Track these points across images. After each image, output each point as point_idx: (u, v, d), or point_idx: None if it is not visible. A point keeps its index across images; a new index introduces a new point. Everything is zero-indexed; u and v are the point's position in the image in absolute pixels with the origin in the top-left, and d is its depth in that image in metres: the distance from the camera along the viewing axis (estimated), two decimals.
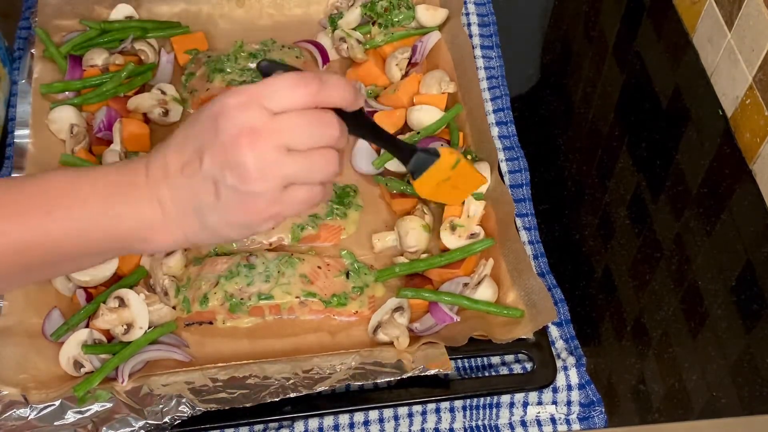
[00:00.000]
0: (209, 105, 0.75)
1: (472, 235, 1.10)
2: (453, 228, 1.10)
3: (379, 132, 0.89)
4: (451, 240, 1.10)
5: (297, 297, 1.05)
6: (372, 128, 0.89)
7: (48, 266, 0.78)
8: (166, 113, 1.23)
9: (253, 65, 1.26)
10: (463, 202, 1.11)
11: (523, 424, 1.00)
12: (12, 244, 0.74)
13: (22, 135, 1.16)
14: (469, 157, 1.16)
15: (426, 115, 1.19)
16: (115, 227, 0.76)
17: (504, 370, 1.02)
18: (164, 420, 0.94)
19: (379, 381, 0.97)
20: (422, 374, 0.97)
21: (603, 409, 1.01)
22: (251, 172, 0.72)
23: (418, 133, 1.18)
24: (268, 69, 0.79)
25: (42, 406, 0.95)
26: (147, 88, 1.25)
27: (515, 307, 1.03)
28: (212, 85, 1.24)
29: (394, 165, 1.18)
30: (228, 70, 1.25)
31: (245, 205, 0.75)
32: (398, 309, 1.04)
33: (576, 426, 1.01)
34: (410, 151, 0.96)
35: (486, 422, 1.01)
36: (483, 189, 1.13)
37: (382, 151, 1.18)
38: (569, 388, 1.01)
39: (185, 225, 0.78)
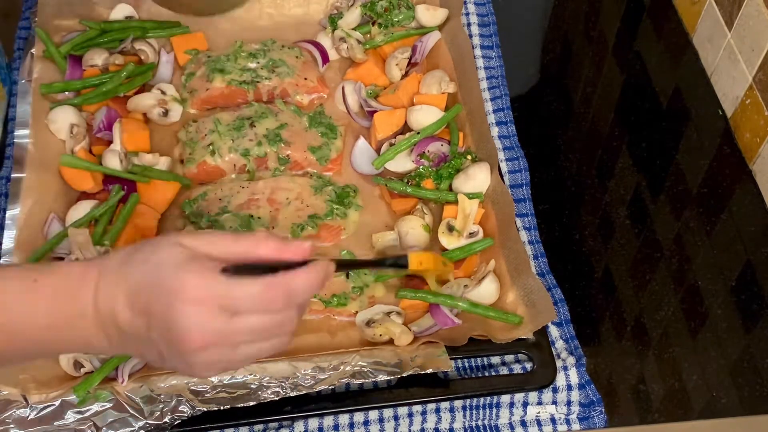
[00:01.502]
0: (164, 254, 0.72)
1: (471, 234, 1.10)
2: (450, 229, 1.10)
3: (355, 263, 1.02)
4: (449, 241, 1.10)
5: None
6: (349, 265, 1.01)
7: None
8: (166, 113, 1.23)
9: (253, 65, 1.26)
10: (446, 203, 1.11)
11: (523, 424, 1.00)
12: None
13: (22, 135, 1.16)
14: (469, 157, 1.17)
15: (426, 115, 1.19)
16: (62, 348, 0.81)
17: (504, 370, 1.02)
18: (164, 420, 0.94)
19: (379, 380, 0.97)
20: (422, 373, 0.97)
21: (603, 409, 1.01)
22: (198, 368, 0.73)
23: (418, 133, 1.18)
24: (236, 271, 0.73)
25: (42, 406, 0.95)
26: (147, 88, 1.25)
27: (514, 313, 1.03)
28: (212, 85, 1.24)
29: (394, 165, 1.18)
30: (228, 70, 1.25)
31: (191, 372, 0.75)
32: (390, 312, 1.04)
33: (576, 426, 1.01)
34: (379, 264, 1.03)
35: (486, 422, 1.01)
36: (483, 189, 1.13)
37: (382, 150, 1.19)
38: (569, 388, 1.01)
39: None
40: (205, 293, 0.69)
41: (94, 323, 0.74)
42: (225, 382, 0.97)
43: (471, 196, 1.12)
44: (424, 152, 1.17)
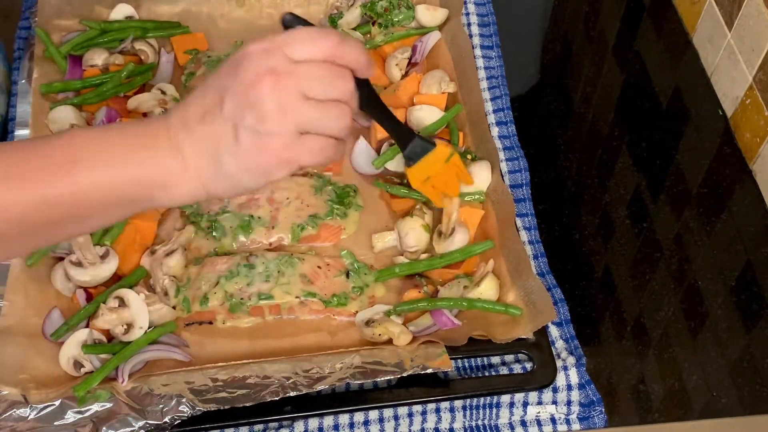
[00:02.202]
0: (232, 54, 0.78)
1: (452, 231, 1.09)
2: (440, 234, 1.10)
3: (383, 108, 0.90)
4: (439, 246, 1.10)
5: (297, 297, 1.05)
6: (377, 103, 0.89)
7: (73, 221, 0.78)
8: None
9: None
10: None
11: (523, 424, 1.00)
12: (40, 197, 0.75)
13: (22, 135, 1.16)
14: (469, 157, 1.17)
15: (426, 115, 1.19)
16: (137, 176, 0.78)
17: (504, 370, 1.02)
18: (164, 420, 0.94)
19: (379, 380, 0.97)
20: (422, 372, 0.97)
21: (603, 409, 1.01)
22: (269, 111, 0.74)
23: (418, 133, 1.18)
24: (290, 23, 0.83)
25: (42, 406, 0.95)
26: (147, 88, 1.25)
27: (514, 306, 1.03)
28: None
29: (394, 165, 1.18)
30: None
31: (262, 146, 0.76)
32: (390, 312, 1.04)
33: (576, 426, 1.01)
34: (409, 135, 0.97)
35: (486, 422, 1.01)
36: (484, 188, 1.13)
37: (382, 150, 1.18)
38: (569, 388, 1.01)
39: (203, 173, 0.79)
40: (268, 44, 0.76)
41: (167, 141, 0.77)
42: (225, 382, 0.97)
43: (472, 195, 1.12)
44: None
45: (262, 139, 0.76)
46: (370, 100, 0.85)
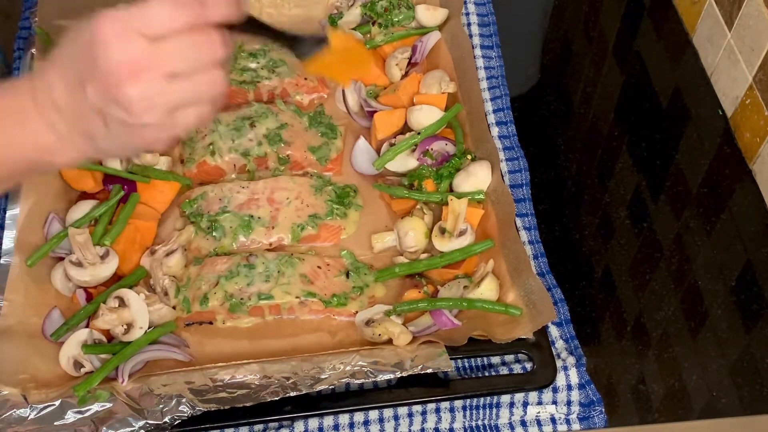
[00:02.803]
0: (84, 28, 0.71)
1: (461, 232, 1.09)
2: (442, 231, 1.10)
3: (267, 28, 0.86)
4: (442, 244, 1.10)
5: (297, 297, 1.05)
6: (259, 26, 0.85)
7: None
8: None
9: (253, 65, 1.26)
10: (447, 204, 1.11)
11: (523, 424, 1.00)
12: None
13: None
14: (469, 157, 1.17)
15: (426, 115, 1.19)
16: (14, 155, 0.77)
17: (504, 370, 1.02)
18: (164, 420, 0.94)
19: (379, 380, 0.97)
20: (422, 372, 0.97)
21: (603, 409, 1.01)
22: (137, 106, 0.71)
23: (419, 133, 1.18)
24: None
25: (42, 406, 0.95)
26: None
27: (514, 305, 1.03)
28: None
29: (394, 165, 1.19)
30: (228, 70, 1.25)
31: (135, 134, 0.74)
32: (390, 312, 1.04)
33: (576, 426, 1.01)
34: (299, 38, 0.91)
35: (486, 422, 1.01)
36: (484, 186, 1.13)
37: (382, 150, 1.19)
38: (569, 388, 1.01)
39: (79, 146, 0.77)
40: (121, 25, 0.69)
41: (38, 117, 0.74)
42: (225, 382, 0.97)
43: (472, 194, 1.12)
44: (427, 150, 1.17)
45: (134, 130, 0.73)
46: (249, 27, 0.80)
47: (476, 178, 1.13)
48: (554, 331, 1.05)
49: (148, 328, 1.03)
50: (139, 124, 0.72)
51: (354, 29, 1.31)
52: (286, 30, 0.89)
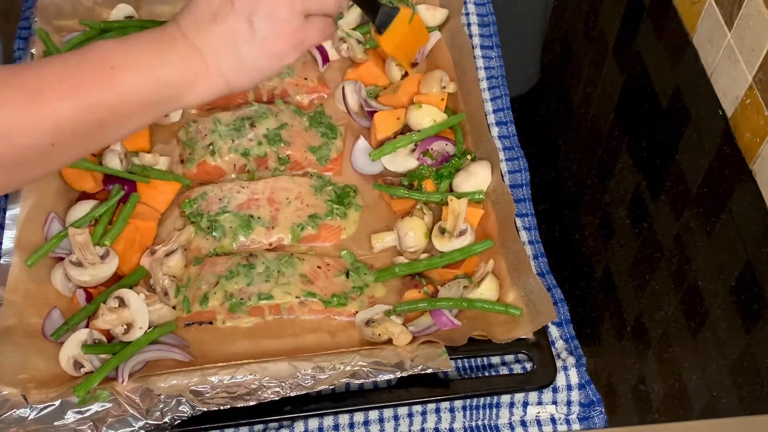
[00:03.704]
0: None
1: (460, 232, 1.09)
2: (442, 231, 1.10)
3: None
4: (442, 244, 1.10)
5: (297, 297, 1.05)
6: None
7: (118, 121, 0.85)
8: (166, 113, 1.23)
9: None
10: (447, 204, 1.11)
11: (523, 424, 1.00)
12: (88, 103, 0.81)
13: None
14: (469, 157, 1.17)
15: (426, 115, 1.19)
16: (166, 76, 0.85)
17: (504, 370, 1.02)
18: (164, 420, 0.94)
19: (379, 380, 0.97)
20: (422, 372, 0.97)
21: (603, 409, 1.01)
22: (280, 1, 0.85)
23: (419, 131, 1.18)
24: None
25: (42, 406, 0.95)
26: None
27: (514, 305, 1.03)
28: None
29: (394, 165, 1.19)
30: None
31: (277, 32, 0.87)
32: (390, 312, 1.04)
33: (576, 426, 1.01)
34: (376, 5, 1.05)
35: (486, 422, 1.01)
36: (484, 186, 1.13)
37: (376, 142, 1.19)
38: (569, 388, 1.01)
39: (224, 66, 0.87)
40: None
41: (185, 43, 0.85)
42: (225, 382, 0.97)
43: (472, 194, 1.12)
44: (427, 150, 1.17)
45: (276, 26, 0.86)
46: None
47: (476, 178, 1.13)
48: (554, 331, 1.05)
49: (148, 328, 1.03)
50: (280, 19, 0.86)
51: (354, 29, 1.31)
52: None
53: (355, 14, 1.32)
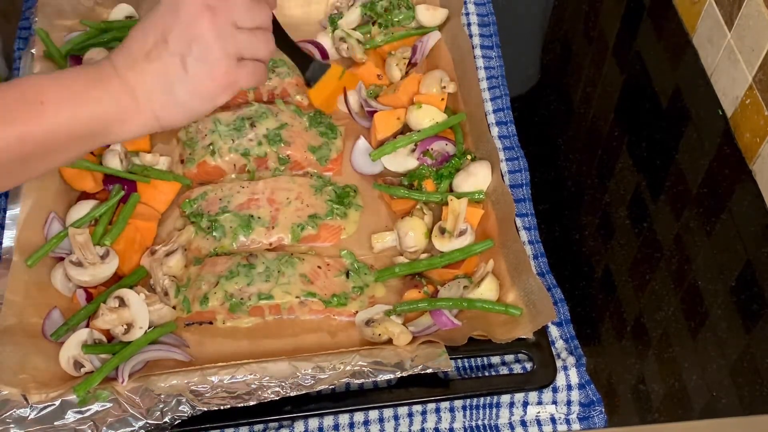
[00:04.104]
0: (161, 3, 0.88)
1: (461, 232, 1.09)
2: (442, 231, 1.10)
3: (286, 38, 1.06)
4: (442, 244, 1.10)
5: (297, 297, 1.05)
6: (282, 34, 1.04)
7: (44, 155, 0.86)
8: None
9: None
10: (447, 204, 1.11)
11: (523, 423, 1.01)
12: (16, 135, 0.82)
13: None
14: (469, 157, 1.17)
15: (426, 115, 1.19)
16: (96, 113, 0.86)
17: (504, 370, 1.02)
18: (164, 420, 0.94)
19: (379, 380, 0.97)
20: (422, 372, 0.97)
21: (603, 409, 1.01)
22: (212, 41, 0.87)
23: (419, 131, 1.18)
24: None
25: (42, 406, 0.95)
26: None
27: (514, 305, 1.03)
28: None
29: (395, 165, 1.19)
30: None
31: (209, 72, 0.88)
32: (390, 312, 1.05)
33: (576, 426, 1.01)
34: (308, 61, 1.10)
35: (486, 422, 1.01)
36: (484, 186, 1.13)
37: (376, 142, 1.19)
38: (569, 388, 1.01)
39: (156, 105, 0.89)
40: None
41: (118, 81, 0.87)
42: (225, 382, 0.97)
43: (472, 194, 1.12)
44: (427, 150, 1.17)
45: (209, 67, 0.88)
46: (275, 33, 0.97)
47: (476, 178, 1.13)
48: (554, 331, 1.05)
49: (148, 328, 1.03)
50: (213, 60, 0.88)
51: (354, 29, 1.31)
52: (300, 48, 1.08)
53: (355, 14, 1.32)
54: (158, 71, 0.87)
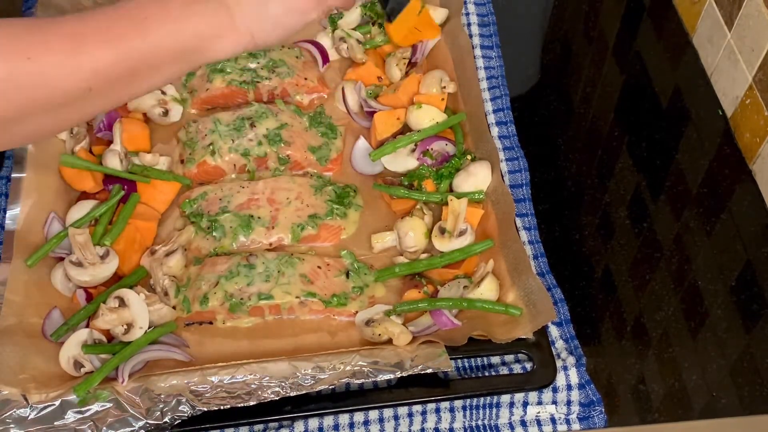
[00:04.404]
0: None
1: (460, 232, 1.09)
2: (442, 231, 1.10)
3: None
4: (442, 244, 1.10)
5: (297, 297, 1.05)
6: None
7: (148, 71, 0.88)
8: (165, 113, 1.23)
9: (253, 65, 1.26)
10: (447, 204, 1.11)
11: (523, 423, 1.01)
12: (123, 52, 0.85)
13: None
14: (469, 157, 1.17)
15: (426, 115, 1.19)
16: (196, 29, 0.88)
17: (504, 370, 1.02)
18: (164, 420, 0.94)
19: (379, 380, 0.97)
20: (422, 372, 0.97)
21: (603, 409, 1.01)
22: None
23: (419, 131, 1.18)
24: None
25: (42, 406, 0.95)
26: None
27: (514, 305, 1.03)
28: (212, 85, 1.24)
29: (394, 165, 1.19)
30: (228, 70, 1.25)
31: None
32: (390, 312, 1.05)
33: (576, 426, 1.01)
34: None
35: (486, 422, 1.01)
36: (484, 186, 1.13)
37: (376, 142, 1.19)
38: (569, 387, 1.01)
39: (250, 20, 0.91)
40: None
41: (214, 1, 0.88)
42: (225, 382, 0.97)
43: (472, 194, 1.12)
44: (427, 150, 1.17)
45: None
46: None
47: (476, 178, 1.13)
48: (554, 331, 1.05)
49: (148, 328, 1.03)
50: None
51: (354, 29, 1.31)
52: None
53: (355, 14, 1.32)
54: None
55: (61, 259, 1.07)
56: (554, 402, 1.01)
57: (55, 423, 0.94)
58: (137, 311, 1.02)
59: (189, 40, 0.88)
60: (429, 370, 0.97)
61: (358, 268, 1.10)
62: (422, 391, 0.99)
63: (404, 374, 0.97)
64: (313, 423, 0.99)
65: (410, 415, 1.00)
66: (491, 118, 1.25)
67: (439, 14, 1.30)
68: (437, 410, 1.00)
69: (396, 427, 0.99)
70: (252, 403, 0.95)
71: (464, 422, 1.00)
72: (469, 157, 1.17)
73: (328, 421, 0.99)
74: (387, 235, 1.14)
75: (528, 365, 1.01)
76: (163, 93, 1.23)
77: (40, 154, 1.15)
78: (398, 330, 1.01)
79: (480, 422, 1.01)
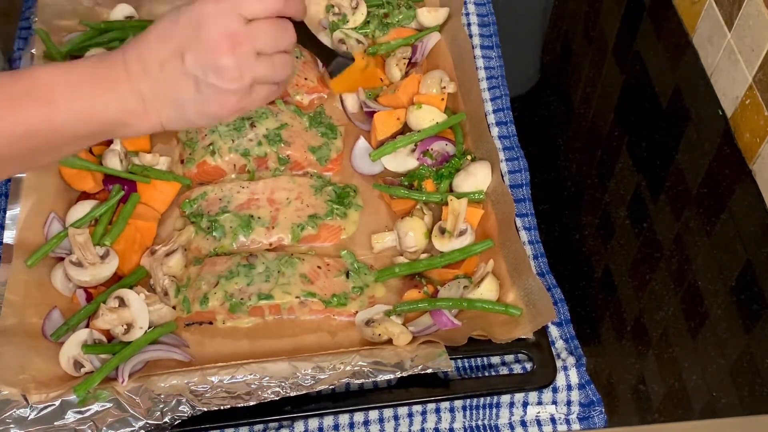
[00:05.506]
0: (186, 10, 0.86)
1: (460, 232, 1.09)
2: (442, 231, 1.10)
3: (310, 35, 1.01)
4: (442, 244, 1.10)
5: (297, 297, 1.05)
6: (305, 32, 0.99)
7: (49, 150, 0.86)
8: None
9: None
10: (447, 204, 1.11)
11: (523, 424, 1.01)
12: (22, 130, 0.83)
13: None
14: (469, 157, 1.17)
15: (426, 115, 1.19)
16: (103, 114, 0.86)
17: (504, 370, 1.02)
18: (164, 420, 0.94)
19: (379, 380, 0.97)
20: (422, 372, 0.97)
21: (603, 409, 1.01)
22: (230, 73, 0.85)
23: (419, 132, 1.18)
24: None
25: (42, 406, 0.95)
26: None
27: (514, 306, 1.03)
28: None
29: (395, 165, 1.19)
30: None
31: (221, 99, 0.87)
32: (390, 312, 1.04)
33: (576, 426, 1.01)
34: (332, 55, 1.06)
35: (486, 422, 1.01)
36: (484, 186, 1.13)
37: (376, 142, 1.19)
38: (569, 388, 1.01)
39: (162, 114, 0.88)
40: (224, 5, 0.84)
41: (128, 85, 0.86)
42: (225, 382, 0.97)
43: (472, 194, 1.12)
44: (427, 150, 1.17)
45: (221, 95, 0.87)
46: (300, 32, 0.94)
47: (476, 178, 1.13)
48: (554, 331, 1.05)
49: (148, 328, 1.03)
50: (227, 90, 0.86)
51: (354, 29, 1.31)
52: (323, 44, 1.05)
53: (361, 15, 1.32)
54: (170, 85, 0.86)
55: (61, 259, 1.07)
56: (554, 402, 1.01)
57: (55, 423, 0.94)
58: (137, 311, 1.02)
59: (96, 125, 0.86)
60: (429, 370, 0.97)
61: (358, 268, 1.10)
62: (422, 391, 0.99)
63: (404, 374, 0.97)
64: (313, 423, 0.99)
65: (410, 415, 1.00)
66: (491, 118, 1.25)
67: (439, 14, 1.30)
68: (437, 410, 1.00)
69: (396, 427, 0.99)
70: (252, 403, 0.95)
71: (464, 422, 1.00)
72: (469, 157, 1.17)
73: (328, 421, 0.99)
74: (387, 235, 1.14)
75: (528, 365, 1.01)
76: None
77: None
78: (398, 330, 1.01)
79: (480, 422, 1.01)
